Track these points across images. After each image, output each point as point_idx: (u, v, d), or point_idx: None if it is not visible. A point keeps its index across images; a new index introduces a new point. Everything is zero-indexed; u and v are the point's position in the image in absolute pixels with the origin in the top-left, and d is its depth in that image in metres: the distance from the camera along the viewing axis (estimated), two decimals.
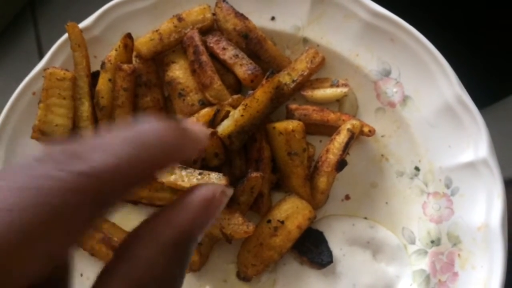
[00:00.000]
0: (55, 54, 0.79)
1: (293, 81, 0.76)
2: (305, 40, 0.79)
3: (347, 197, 0.78)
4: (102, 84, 0.75)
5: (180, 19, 0.76)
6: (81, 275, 0.77)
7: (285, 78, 0.76)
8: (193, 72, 0.76)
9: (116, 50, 0.75)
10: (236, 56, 0.75)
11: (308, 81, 0.78)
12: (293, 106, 0.76)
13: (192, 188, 0.32)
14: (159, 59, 0.78)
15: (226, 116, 0.72)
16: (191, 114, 0.75)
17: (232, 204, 0.72)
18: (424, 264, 0.73)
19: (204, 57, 0.75)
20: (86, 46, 0.77)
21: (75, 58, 0.77)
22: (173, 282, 0.30)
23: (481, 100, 0.75)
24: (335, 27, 0.77)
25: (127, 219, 0.76)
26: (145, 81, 0.77)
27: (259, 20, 0.78)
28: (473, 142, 0.70)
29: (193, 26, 0.76)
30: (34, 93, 0.79)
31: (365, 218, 0.77)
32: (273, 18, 0.79)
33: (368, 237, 0.75)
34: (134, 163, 0.28)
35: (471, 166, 0.70)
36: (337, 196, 0.78)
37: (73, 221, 0.26)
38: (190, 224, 0.31)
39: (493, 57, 1.04)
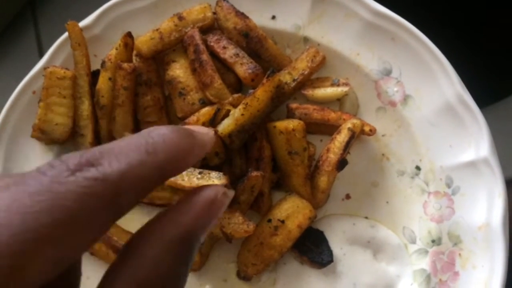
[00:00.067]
0: (55, 53, 0.79)
1: (294, 80, 0.76)
2: (306, 39, 0.79)
3: (348, 197, 0.78)
4: (102, 83, 0.75)
5: (180, 18, 0.76)
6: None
7: (286, 77, 0.76)
8: (194, 71, 0.75)
9: (116, 49, 0.75)
10: (237, 55, 0.75)
11: (309, 80, 0.78)
12: (294, 105, 0.76)
13: (195, 190, 0.34)
14: (159, 58, 0.78)
15: (227, 115, 0.72)
16: (192, 113, 0.75)
17: (232, 203, 0.72)
18: (424, 263, 0.72)
19: (205, 56, 0.74)
20: (86, 45, 0.77)
21: (75, 57, 0.77)
22: (177, 280, 0.31)
23: (482, 99, 0.75)
24: (336, 26, 0.77)
25: (127, 218, 0.74)
26: (146, 80, 0.76)
27: (260, 19, 0.78)
28: (474, 141, 0.70)
29: (194, 25, 0.76)
30: (34, 92, 0.79)
31: (366, 217, 0.77)
32: (273, 17, 0.79)
33: (369, 237, 0.75)
34: (146, 169, 0.29)
35: (472, 165, 0.70)
36: (337, 195, 0.78)
37: (87, 225, 0.27)
38: (194, 224, 0.32)
39: (495, 56, 1.04)
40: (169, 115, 0.79)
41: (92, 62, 0.78)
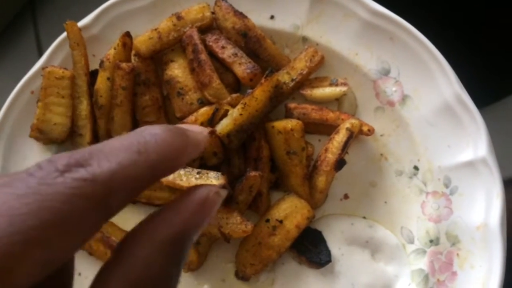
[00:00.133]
0: (54, 53, 0.79)
1: (292, 80, 0.76)
2: (304, 39, 0.79)
3: (346, 197, 0.78)
4: (101, 82, 0.75)
5: (179, 17, 0.76)
6: (79, 274, 0.76)
7: (284, 77, 0.76)
8: (192, 71, 0.75)
9: (114, 49, 0.75)
10: (235, 55, 0.75)
11: (307, 80, 0.78)
12: (292, 105, 0.76)
13: (188, 190, 0.33)
14: (158, 57, 0.78)
15: (225, 115, 0.72)
16: (190, 113, 0.75)
17: (231, 203, 0.72)
18: (422, 263, 0.72)
19: (203, 56, 0.74)
20: (84, 44, 0.77)
21: (74, 57, 0.77)
22: (169, 281, 0.30)
23: (481, 99, 0.75)
24: (334, 26, 0.77)
25: (125, 218, 0.75)
26: (144, 79, 0.77)
27: (258, 18, 0.78)
28: (472, 142, 0.70)
29: (192, 25, 0.76)
30: (32, 92, 0.79)
31: (364, 217, 0.77)
32: (272, 17, 0.79)
33: (367, 237, 0.75)
34: (138, 169, 0.29)
35: (470, 165, 0.70)
36: (336, 195, 0.78)
37: (76, 226, 0.26)
38: (186, 223, 0.31)
39: (494, 56, 1.04)
40: (168, 115, 0.79)
41: (91, 62, 0.78)
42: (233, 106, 0.72)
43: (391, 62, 0.76)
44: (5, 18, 1.27)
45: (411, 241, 0.74)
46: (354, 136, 0.73)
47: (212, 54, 0.76)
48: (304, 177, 0.73)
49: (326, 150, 0.73)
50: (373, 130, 0.75)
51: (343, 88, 0.77)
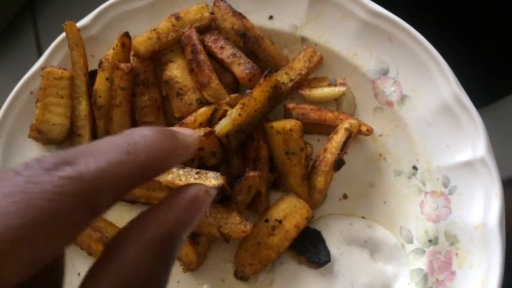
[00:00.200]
0: (53, 53, 0.79)
1: (291, 80, 0.76)
2: (303, 39, 0.79)
3: (345, 197, 0.78)
4: (100, 83, 0.75)
5: (178, 18, 0.76)
6: (79, 274, 0.77)
7: (283, 77, 0.76)
8: (191, 71, 0.75)
9: (113, 49, 0.75)
10: (234, 55, 0.75)
11: (306, 80, 0.78)
12: (291, 105, 0.76)
13: (178, 189, 0.33)
14: (157, 58, 0.78)
15: (224, 115, 0.72)
16: (189, 113, 0.75)
17: (230, 204, 0.72)
18: (421, 263, 0.72)
19: (202, 56, 0.75)
20: (83, 45, 0.77)
21: (73, 57, 0.77)
22: (157, 280, 0.30)
23: (480, 99, 0.75)
24: (333, 26, 0.77)
25: (125, 218, 0.75)
26: (143, 80, 0.77)
27: (257, 19, 0.78)
28: (471, 141, 0.70)
29: (191, 25, 0.76)
30: (31, 92, 0.79)
31: (363, 217, 0.77)
32: (271, 17, 0.79)
33: (366, 237, 0.75)
34: (126, 169, 0.29)
35: (469, 165, 0.70)
36: (335, 195, 0.78)
37: (63, 225, 0.26)
38: (175, 223, 0.31)
39: (493, 56, 1.04)
40: (167, 115, 0.79)
41: (90, 62, 0.79)
42: (232, 106, 0.72)
43: (390, 62, 0.76)
44: (5, 18, 1.27)
45: (410, 241, 0.74)
46: (353, 136, 0.73)
47: (211, 55, 0.76)
48: (303, 177, 0.73)
49: (325, 150, 0.73)
50: (372, 130, 0.75)
51: (342, 88, 0.77)
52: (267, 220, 0.72)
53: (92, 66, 0.78)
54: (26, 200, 0.25)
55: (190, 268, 0.75)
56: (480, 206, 0.69)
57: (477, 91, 0.75)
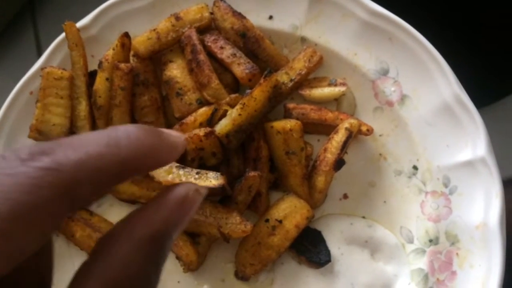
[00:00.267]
0: (53, 54, 0.79)
1: (291, 80, 0.76)
2: (303, 39, 0.79)
3: (345, 196, 0.78)
4: (100, 83, 0.75)
5: (177, 18, 0.76)
6: None
7: (283, 77, 0.76)
8: (191, 71, 0.75)
9: (113, 49, 0.75)
10: (234, 55, 0.75)
11: (306, 80, 0.78)
12: (291, 105, 0.76)
13: (167, 188, 0.33)
14: (156, 58, 0.78)
15: (224, 115, 0.72)
16: (189, 113, 0.75)
17: (230, 204, 0.72)
18: (422, 263, 0.72)
19: (202, 56, 0.74)
20: (83, 45, 0.77)
21: (73, 58, 0.77)
22: (147, 281, 0.30)
23: (480, 99, 0.75)
24: (333, 26, 0.77)
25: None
26: (143, 80, 0.77)
27: (257, 19, 0.78)
28: (471, 141, 0.70)
29: (191, 25, 0.76)
30: (31, 93, 0.79)
31: (363, 217, 0.77)
32: (271, 17, 0.79)
33: (366, 236, 0.75)
34: (106, 161, 0.28)
35: (469, 165, 0.70)
36: (335, 195, 0.78)
37: (39, 218, 0.26)
38: (165, 222, 0.31)
39: (493, 56, 1.04)
40: (167, 115, 0.79)
41: (89, 62, 0.78)
42: (232, 106, 0.72)
43: (390, 62, 0.76)
44: (4, 18, 1.27)
45: (411, 241, 0.74)
46: (353, 136, 0.73)
47: (210, 55, 0.76)
48: (303, 177, 0.73)
49: (325, 150, 0.73)
50: (372, 130, 0.75)
51: (342, 88, 0.77)
52: (267, 220, 0.72)
53: (92, 66, 0.78)
54: (0, 193, 0.25)
55: (191, 268, 0.75)
56: (481, 206, 0.69)
57: (477, 91, 0.75)
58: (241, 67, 0.75)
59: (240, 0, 0.78)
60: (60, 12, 1.29)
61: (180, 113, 0.76)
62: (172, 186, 0.33)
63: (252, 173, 0.70)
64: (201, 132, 0.70)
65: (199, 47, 0.75)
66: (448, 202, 0.72)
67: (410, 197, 0.75)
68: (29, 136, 0.77)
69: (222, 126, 0.71)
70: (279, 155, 0.73)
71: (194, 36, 0.75)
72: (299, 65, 0.76)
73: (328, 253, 0.74)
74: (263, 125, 0.73)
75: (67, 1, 1.28)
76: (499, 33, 1.02)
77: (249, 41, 0.76)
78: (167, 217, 0.31)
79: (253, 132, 0.73)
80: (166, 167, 0.68)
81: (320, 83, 0.78)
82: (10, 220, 0.24)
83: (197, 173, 0.69)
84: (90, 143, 0.28)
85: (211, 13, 0.77)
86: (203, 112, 0.73)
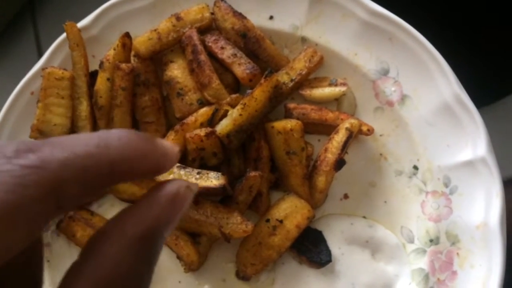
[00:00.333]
0: (54, 54, 0.79)
1: (292, 80, 0.76)
2: (304, 39, 0.79)
3: (346, 196, 0.78)
4: (101, 83, 0.75)
5: (178, 18, 0.76)
6: None
7: (284, 77, 0.76)
8: (192, 71, 0.76)
9: (114, 50, 0.75)
10: (235, 55, 0.75)
11: (307, 80, 0.78)
12: (292, 105, 0.76)
13: (158, 185, 0.32)
14: (157, 58, 0.78)
15: (225, 115, 0.72)
16: (190, 113, 0.75)
17: (231, 203, 0.72)
18: (423, 263, 0.73)
19: (203, 57, 0.75)
20: (84, 45, 0.77)
21: (74, 58, 0.77)
22: (139, 280, 0.29)
23: (480, 99, 0.75)
24: (334, 26, 0.77)
25: None
26: (144, 80, 0.77)
27: (258, 19, 0.78)
28: (472, 141, 0.70)
29: (192, 25, 0.76)
30: (32, 93, 0.79)
31: (364, 217, 0.77)
32: (271, 17, 0.79)
33: (367, 236, 0.75)
34: (94, 162, 0.28)
35: (469, 165, 0.70)
36: (335, 195, 0.78)
37: (24, 217, 0.25)
38: (156, 219, 0.31)
39: (493, 56, 1.04)
40: (168, 115, 0.80)
41: (90, 62, 0.79)
42: (233, 106, 0.72)
43: (390, 62, 0.76)
44: (4, 18, 1.27)
45: (411, 241, 0.74)
46: (354, 136, 0.73)
47: (211, 55, 0.76)
48: (304, 177, 0.73)
49: (325, 150, 0.73)
50: (373, 130, 0.75)
51: (342, 88, 0.77)
52: (268, 220, 0.72)
53: (93, 66, 0.78)
54: None
55: (191, 268, 0.75)
56: (481, 206, 0.69)
57: (478, 91, 0.75)
58: (241, 67, 0.75)
59: (241, 0, 0.78)
60: (60, 12, 1.29)
61: (181, 113, 0.76)
62: (163, 183, 0.32)
63: (253, 173, 0.70)
64: (202, 132, 0.70)
65: (200, 47, 0.75)
66: (449, 202, 0.72)
67: (411, 197, 0.75)
68: (30, 136, 0.77)
69: (223, 126, 0.71)
70: (279, 155, 0.73)
71: (195, 36, 0.75)
72: (299, 65, 0.77)
73: (329, 253, 0.74)
74: (263, 125, 0.73)
75: (67, 1, 1.28)
76: (499, 33, 1.02)
77: (249, 41, 0.76)
78: (158, 214, 0.31)
79: (253, 132, 0.73)
80: None
81: (320, 83, 0.78)
82: None
83: (198, 173, 0.69)
84: (79, 143, 0.28)
85: (212, 13, 0.77)
86: (204, 112, 0.73)
